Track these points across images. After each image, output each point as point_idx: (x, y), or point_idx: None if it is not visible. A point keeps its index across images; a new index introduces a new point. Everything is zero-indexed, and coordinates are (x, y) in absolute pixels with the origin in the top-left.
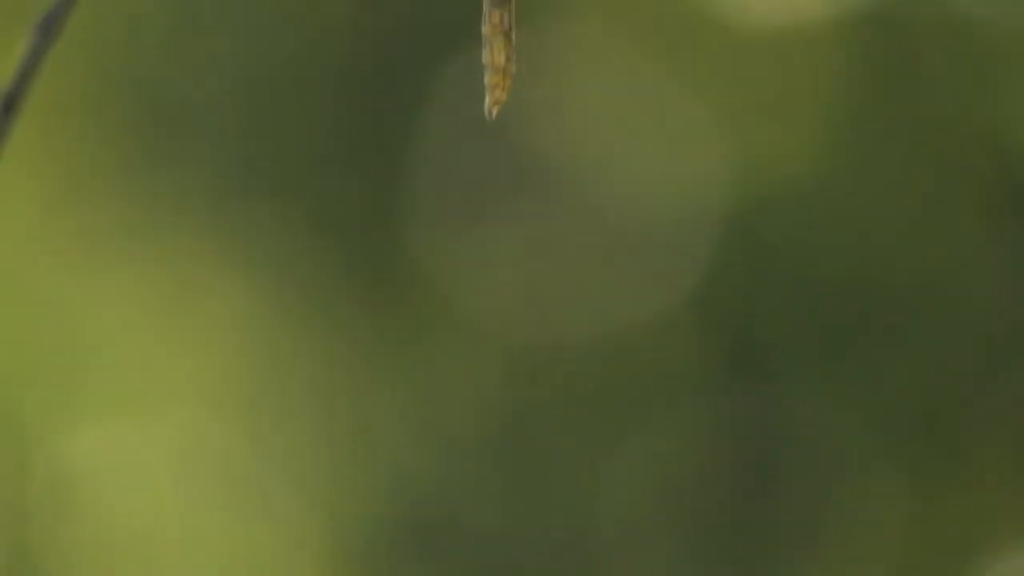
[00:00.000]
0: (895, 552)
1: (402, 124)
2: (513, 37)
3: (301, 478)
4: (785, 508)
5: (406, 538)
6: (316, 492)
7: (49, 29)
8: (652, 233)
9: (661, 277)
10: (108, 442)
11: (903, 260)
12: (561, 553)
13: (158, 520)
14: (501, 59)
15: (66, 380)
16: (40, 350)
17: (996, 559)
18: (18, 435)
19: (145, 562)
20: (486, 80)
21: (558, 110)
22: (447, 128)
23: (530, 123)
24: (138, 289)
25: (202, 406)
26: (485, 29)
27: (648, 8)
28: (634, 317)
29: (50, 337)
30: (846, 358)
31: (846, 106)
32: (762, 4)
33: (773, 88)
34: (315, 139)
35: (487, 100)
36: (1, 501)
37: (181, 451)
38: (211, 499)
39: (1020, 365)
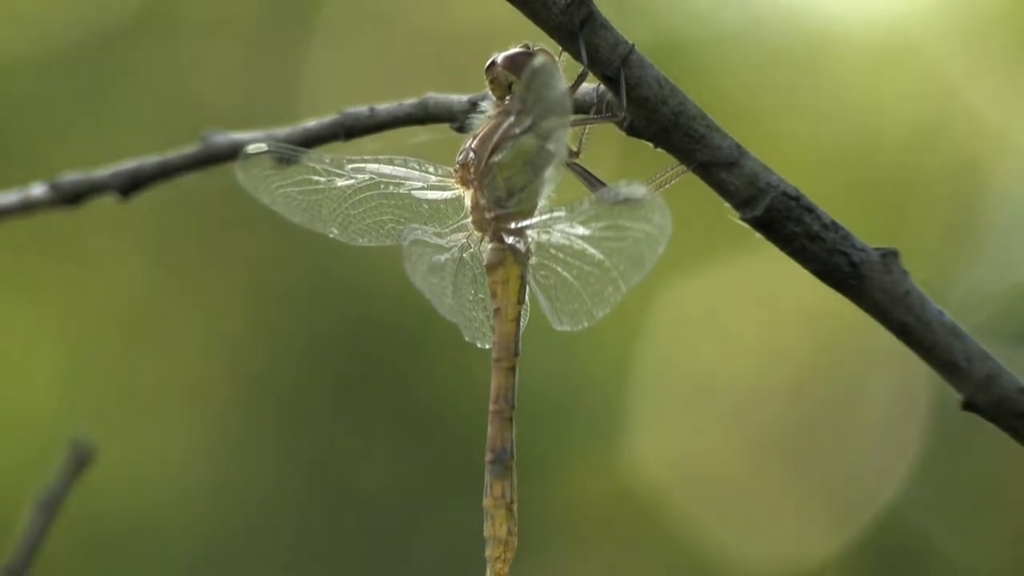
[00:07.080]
0: None
1: None
2: (515, 510)
3: None
4: None
5: None
6: None
7: (50, 507)
8: None
9: None
10: None
11: None
12: None
13: None
14: (503, 532)
15: None
16: None
17: None
18: None
19: None
20: (487, 553)
21: None
22: None
23: None
24: None
25: None
26: (486, 502)
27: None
28: None
29: None
30: None
31: None
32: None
33: None
34: None
35: (488, 574)
36: None
37: None
38: None
39: None
